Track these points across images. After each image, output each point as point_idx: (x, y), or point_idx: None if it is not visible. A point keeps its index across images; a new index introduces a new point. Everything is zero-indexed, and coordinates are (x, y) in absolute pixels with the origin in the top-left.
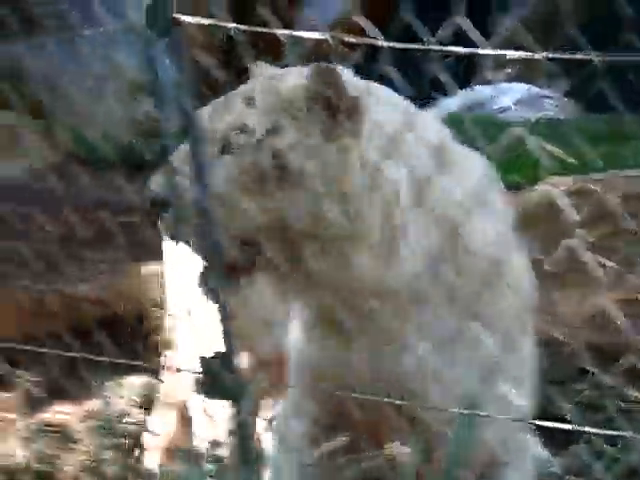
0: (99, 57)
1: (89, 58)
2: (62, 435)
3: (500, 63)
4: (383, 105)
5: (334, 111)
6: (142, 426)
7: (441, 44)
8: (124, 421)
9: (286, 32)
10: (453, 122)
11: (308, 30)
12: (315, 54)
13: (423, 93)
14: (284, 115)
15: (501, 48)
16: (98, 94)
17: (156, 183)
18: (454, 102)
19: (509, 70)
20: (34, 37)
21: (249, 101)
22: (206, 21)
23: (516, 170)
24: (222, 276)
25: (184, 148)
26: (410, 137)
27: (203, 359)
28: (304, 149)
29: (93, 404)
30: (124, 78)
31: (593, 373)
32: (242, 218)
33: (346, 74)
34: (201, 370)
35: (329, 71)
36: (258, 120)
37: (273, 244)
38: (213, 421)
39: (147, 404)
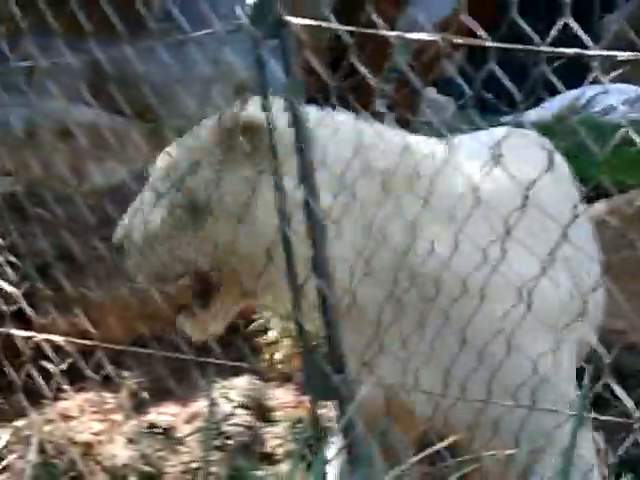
0: (207, 59)
1: (197, 60)
2: (167, 436)
3: (610, 64)
4: (328, 136)
5: (242, 146)
6: (248, 428)
7: (551, 45)
8: (229, 423)
9: (395, 34)
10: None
11: (414, 30)
12: (421, 54)
13: (530, 94)
14: (199, 154)
15: (610, 49)
16: (206, 96)
17: (119, 231)
18: (554, 104)
19: (620, 71)
20: (142, 40)
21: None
22: (313, 22)
23: (625, 171)
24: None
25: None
26: (352, 166)
27: (308, 358)
28: (217, 184)
29: (198, 406)
30: (232, 80)
31: None
32: (181, 255)
33: (277, 105)
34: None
35: (236, 115)
36: (180, 161)
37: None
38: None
39: (254, 407)
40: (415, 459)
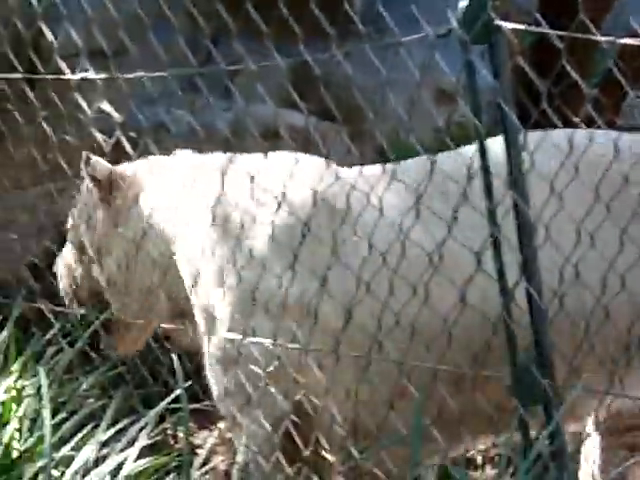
0: (416, 63)
1: (404, 64)
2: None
3: None
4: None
5: (98, 188)
6: None
7: None
8: None
9: (607, 39)
10: None
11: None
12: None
13: None
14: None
15: None
16: (414, 100)
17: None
18: None
19: None
20: (345, 43)
21: None
22: (524, 27)
23: None
24: None
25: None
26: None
27: (518, 363)
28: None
29: None
30: (437, 84)
31: None
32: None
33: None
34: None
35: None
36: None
37: None
38: None
39: None
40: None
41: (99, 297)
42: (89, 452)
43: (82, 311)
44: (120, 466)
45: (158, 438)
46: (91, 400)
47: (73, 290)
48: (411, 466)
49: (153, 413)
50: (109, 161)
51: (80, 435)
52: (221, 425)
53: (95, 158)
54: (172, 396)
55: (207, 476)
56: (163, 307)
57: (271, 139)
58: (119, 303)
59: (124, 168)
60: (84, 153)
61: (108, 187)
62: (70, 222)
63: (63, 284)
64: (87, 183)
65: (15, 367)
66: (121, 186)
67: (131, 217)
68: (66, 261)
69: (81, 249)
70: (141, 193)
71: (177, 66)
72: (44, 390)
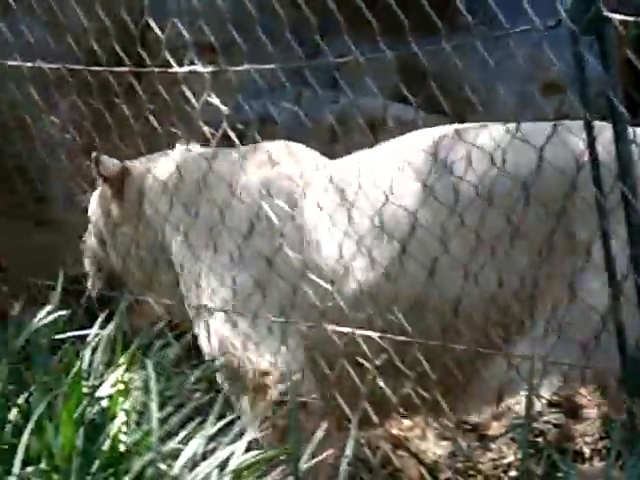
0: (524, 55)
1: (514, 55)
2: (476, 432)
3: None
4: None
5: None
6: (556, 426)
7: None
8: (540, 420)
9: None
10: None
11: None
12: None
13: None
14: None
15: None
16: (522, 92)
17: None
18: None
19: None
20: (456, 35)
21: None
22: (634, 18)
23: None
24: None
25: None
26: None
27: (628, 358)
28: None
29: (510, 402)
30: (546, 76)
31: None
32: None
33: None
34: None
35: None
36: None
37: None
38: None
39: (563, 404)
40: None
41: (117, 279)
42: (196, 446)
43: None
44: (227, 460)
45: (266, 432)
46: (198, 394)
47: (96, 273)
48: None
49: (261, 407)
50: None
51: (188, 429)
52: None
53: (105, 157)
54: (277, 393)
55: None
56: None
57: (378, 131)
58: (132, 283)
59: (132, 164)
60: (93, 154)
61: (119, 183)
62: (90, 213)
63: (88, 268)
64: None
65: (122, 360)
66: (130, 181)
67: (139, 209)
68: (90, 247)
69: (100, 238)
70: (145, 187)
71: (283, 58)
72: (151, 383)
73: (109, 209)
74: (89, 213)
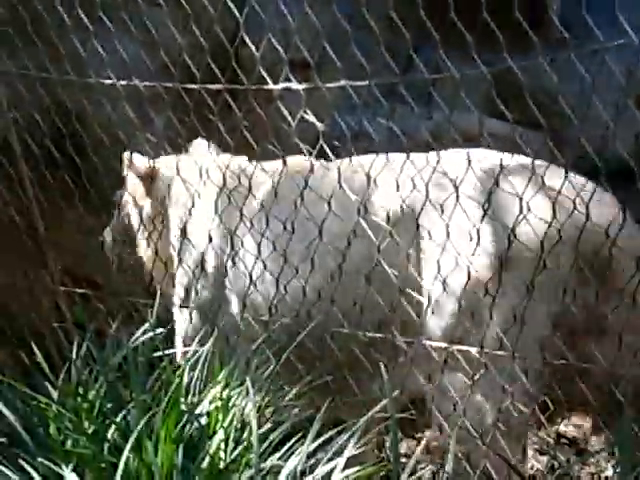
0: (619, 68)
1: (609, 69)
2: (574, 446)
3: None
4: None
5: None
6: None
7: None
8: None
9: None
10: None
11: None
12: None
13: None
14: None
15: None
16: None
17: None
18: None
19: None
20: (549, 49)
21: None
22: None
23: None
24: None
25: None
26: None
27: None
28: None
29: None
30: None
31: None
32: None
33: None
34: None
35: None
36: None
37: None
38: None
39: None
40: None
41: (138, 265)
42: (296, 462)
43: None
44: (328, 476)
45: (365, 448)
46: (297, 410)
47: (118, 258)
48: None
49: (361, 423)
50: None
51: (287, 445)
52: (427, 433)
53: (135, 156)
54: (379, 406)
55: None
56: None
57: (473, 146)
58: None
59: (158, 164)
60: (125, 154)
61: (149, 180)
62: (120, 204)
63: (109, 252)
64: (132, 178)
65: (221, 377)
66: (157, 178)
67: (164, 203)
68: (114, 234)
69: (127, 228)
70: (171, 183)
71: (376, 74)
72: (251, 400)
73: (142, 205)
74: (118, 204)
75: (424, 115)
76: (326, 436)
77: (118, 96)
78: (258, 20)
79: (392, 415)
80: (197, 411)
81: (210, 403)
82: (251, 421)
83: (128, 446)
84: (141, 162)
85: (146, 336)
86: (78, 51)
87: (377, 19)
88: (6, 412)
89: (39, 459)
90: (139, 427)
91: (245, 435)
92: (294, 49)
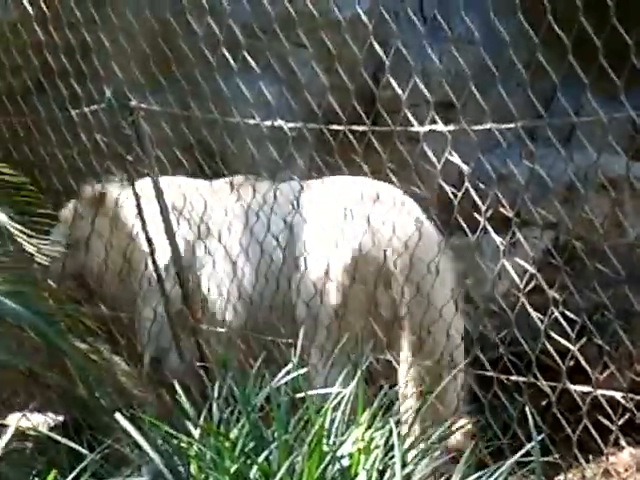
0: None
1: None
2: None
3: None
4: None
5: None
6: None
7: None
8: None
9: None
10: None
11: None
12: None
13: None
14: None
15: None
16: None
17: None
18: None
19: None
20: None
21: None
22: None
23: None
24: None
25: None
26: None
27: None
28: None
29: None
30: None
31: None
32: None
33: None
34: None
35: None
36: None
37: None
38: None
39: None
40: None
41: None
42: None
43: None
44: None
45: None
46: (438, 452)
47: (60, 270)
48: None
49: (505, 467)
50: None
51: None
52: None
53: (87, 187)
54: (524, 450)
55: None
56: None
57: (617, 191)
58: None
59: (110, 190)
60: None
61: (98, 205)
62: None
63: (52, 265)
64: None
65: (363, 418)
66: (106, 203)
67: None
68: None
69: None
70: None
71: (513, 115)
72: (395, 441)
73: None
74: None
75: (564, 157)
76: (474, 476)
77: (261, 136)
78: (399, 61)
79: (537, 459)
80: (339, 452)
81: (352, 444)
82: (396, 463)
83: None
84: (92, 190)
85: (289, 377)
86: (222, 90)
87: (520, 59)
88: (149, 451)
89: None
90: (283, 469)
91: (388, 477)
92: (437, 90)
